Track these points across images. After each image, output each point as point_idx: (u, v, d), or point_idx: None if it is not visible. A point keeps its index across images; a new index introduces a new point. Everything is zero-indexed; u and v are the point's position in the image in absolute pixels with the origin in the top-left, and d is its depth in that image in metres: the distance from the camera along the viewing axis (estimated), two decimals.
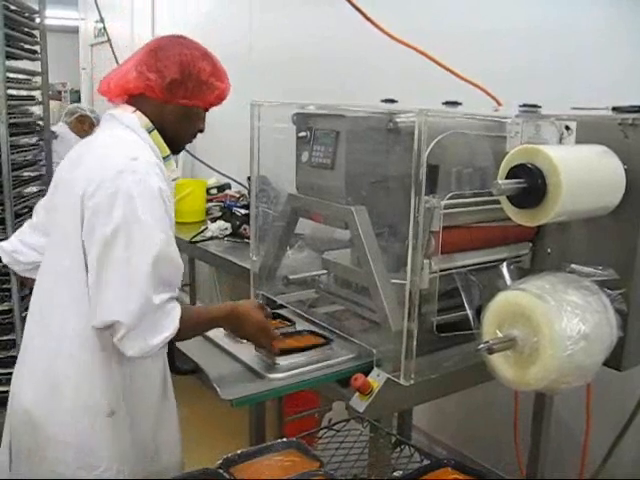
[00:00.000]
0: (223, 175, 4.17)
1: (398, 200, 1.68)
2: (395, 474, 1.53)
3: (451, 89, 2.21)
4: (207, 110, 1.77)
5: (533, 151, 1.48)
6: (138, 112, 1.68)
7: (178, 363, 1.89)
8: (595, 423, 2.23)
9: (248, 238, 3.35)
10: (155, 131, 1.68)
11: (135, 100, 1.69)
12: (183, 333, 1.60)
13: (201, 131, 1.79)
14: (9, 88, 3.11)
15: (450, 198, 1.61)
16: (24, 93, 3.66)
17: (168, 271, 1.57)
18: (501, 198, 1.52)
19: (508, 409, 2.52)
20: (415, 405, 1.77)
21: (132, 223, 1.51)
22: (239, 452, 1.37)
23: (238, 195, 3.98)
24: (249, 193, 3.81)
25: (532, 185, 1.44)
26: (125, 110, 1.69)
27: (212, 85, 1.70)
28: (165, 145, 1.70)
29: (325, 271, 2.06)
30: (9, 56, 3.10)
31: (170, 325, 1.54)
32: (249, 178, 3.78)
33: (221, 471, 1.30)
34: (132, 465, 1.69)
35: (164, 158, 1.70)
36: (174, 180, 1.73)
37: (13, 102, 3.28)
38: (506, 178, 1.50)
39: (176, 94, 1.67)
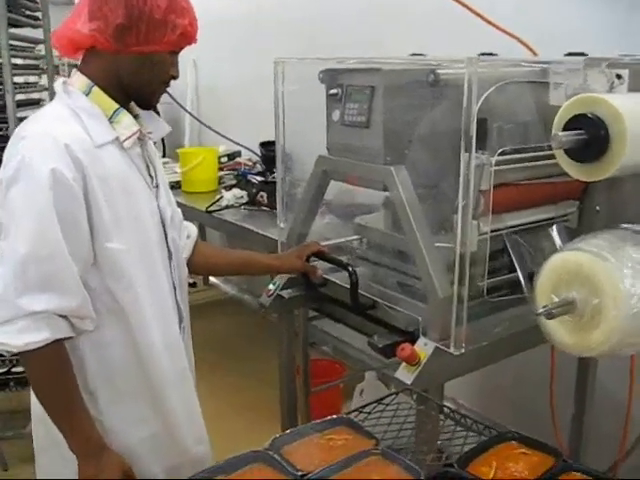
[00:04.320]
0: (233, 142, 4.04)
1: (441, 158, 1.58)
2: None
3: (481, 41, 2.08)
4: (176, 53, 1.50)
5: (593, 100, 1.37)
6: (78, 73, 1.48)
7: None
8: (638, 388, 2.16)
9: (265, 206, 3.26)
10: (95, 89, 1.46)
11: (88, 55, 1.48)
12: (41, 385, 1.42)
13: (174, 78, 1.52)
14: (13, 57, 2.99)
15: (500, 154, 1.50)
16: (28, 62, 3.54)
17: (43, 272, 1.36)
18: (557, 152, 1.41)
19: (543, 374, 2.44)
20: (463, 374, 1.68)
21: (6, 214, 1.38)
22: (288, 432, 1.29)
23: (251, 163, 3.86)
24: (263, 159, 3.70)
25: (594, 136, 1.33)
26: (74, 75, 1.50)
27: (171, 24, 1.43)
28: (110, 101, 1.47)
29: (358, 236, 1.97)
30: (11, 23, 2.97)
31: (25, 337, 1.34)
32: (261, 144, 3.69)
33: (271, 453, 1.21)
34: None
35: (112, 115, 1.47)
36: (133, 135, 1.49)
37: (17, 71, 3.16)
38: (562, 131, 1.39)
39: (127, 42, 1.42)
